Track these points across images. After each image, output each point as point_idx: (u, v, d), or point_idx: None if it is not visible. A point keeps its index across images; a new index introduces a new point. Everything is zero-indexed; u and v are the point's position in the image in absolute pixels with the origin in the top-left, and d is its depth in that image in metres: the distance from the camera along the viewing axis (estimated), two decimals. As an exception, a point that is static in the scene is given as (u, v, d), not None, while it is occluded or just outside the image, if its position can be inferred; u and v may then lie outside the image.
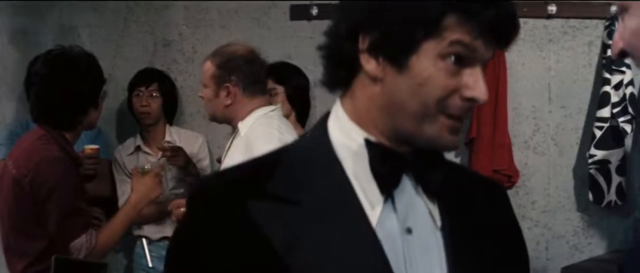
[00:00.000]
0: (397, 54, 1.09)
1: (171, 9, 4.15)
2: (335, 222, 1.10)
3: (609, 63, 3.24)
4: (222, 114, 2.80)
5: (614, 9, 3.17)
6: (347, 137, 1.14)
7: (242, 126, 2.74)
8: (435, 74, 1.08)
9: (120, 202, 3.46)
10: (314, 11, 3.80)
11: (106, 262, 2.81)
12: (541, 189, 3.52)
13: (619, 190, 3.28)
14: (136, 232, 3.68)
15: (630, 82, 3.22)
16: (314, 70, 3.70)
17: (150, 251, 3.64)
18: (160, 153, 3.55)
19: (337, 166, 1.13)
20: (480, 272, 1.17)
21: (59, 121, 2.70)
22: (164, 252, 3.61)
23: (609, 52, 3.24)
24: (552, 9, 3.44)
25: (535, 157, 3.53)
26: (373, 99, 1.12)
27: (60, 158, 2.64)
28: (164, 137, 3.75)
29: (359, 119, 1.14)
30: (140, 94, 3.76)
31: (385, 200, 1.12)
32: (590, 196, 3.33)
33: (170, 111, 3.87)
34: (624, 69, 3.21)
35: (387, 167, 1.12)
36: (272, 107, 2.82)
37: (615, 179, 3.27)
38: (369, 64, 1.11)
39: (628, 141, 3.26)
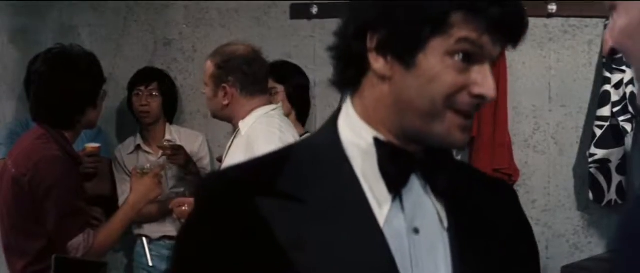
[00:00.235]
0: (405, 52, 1.09)
1: (171, 8, 4.15)
2: (343, 221, 1.10)
3: (609, 62, 3.24)
4: (222, 113, 2.81)
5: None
6: (357, 136, 1.15)
7: (243, 125, 2.74)
8: (443, 71, 1.08)
9: (120, 201, 3.46)
10: (314, 10, 3.80)
11: (106, 261, 2.82)
12: (541, 188, 3.52)
13: (619, 189, 3.27)
14: (136, 231, 3.68)
15: (631, 81, 3.22)
16: (314, 69, 3.70)
17: (150, 250, 3.64)
18: (160, 152, 3.56)
19: (345, 164, 1.13)
20: (487, 272, 1.17)
21: (58, 120, 2.70)
22: (164, 251, 3.66)
23: (609, 52, 3.23)
24: (553, 8, 3.44)
25: (536, 156, 3.53)
26: (382, 97, 1.13)
27: (60, 157, 2.64)
28: (164, 136, 3.75)
29: (368, 118, 1.15)
30: (140, 93, 3.76)
31: (393, 200, 1.12)
32: (591, 195, 3.33)
33: (170, 110, 3.87)
34: (624, 68, 3.20)
35: (396, 166, 1.13)
36: (272, 107, 2.82)
37: (616, 178, 3.27)
38: (378, 63, 1.12)
39: (628, 140, 3.26)
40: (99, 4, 4.26)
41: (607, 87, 3.24)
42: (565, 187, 3.49)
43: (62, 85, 2.66)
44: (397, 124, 1.13)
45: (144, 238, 3.66)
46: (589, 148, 3.29)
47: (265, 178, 1.12)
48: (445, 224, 1.16)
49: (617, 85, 3.22)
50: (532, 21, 3.55)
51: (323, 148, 1.16)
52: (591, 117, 3.37)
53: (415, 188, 1.14)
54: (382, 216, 1.11)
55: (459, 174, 1.19)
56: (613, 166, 3.26)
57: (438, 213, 1.16)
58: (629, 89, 3.21)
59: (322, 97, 3.74)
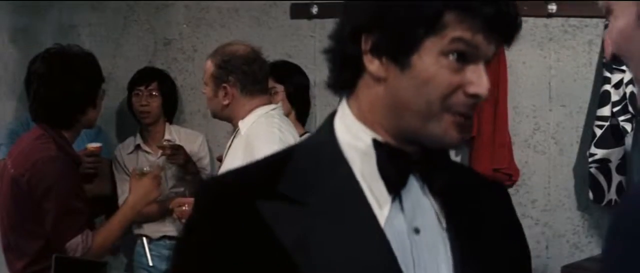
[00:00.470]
0: (400, 53, 1.09)
1: (171, 8, 4.15)
2: (344, 222, 1.10)
3: (609, 62, 3.24)
4: (222, 112, 2.82)
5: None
6: (354, 137, 1.15)
7: (243, 125, 2.75)
8: (438, 71, 1.08)
9: (120, 201, 3.46)
10: (314, 10, 3.80)
11: (107, 261, 2.82)
12: (541, 188, 3.52)
13: (620, 189, 3.27)
14: (136, 231, 3.68)
15: (631, 81, 3.21)
16: (314, 69, 3.70)
17: (150, 250, 3.64)
18: (160, 152, 3.56)
19: (344, 166, 1.13)
20: (486, 272, 1.18)
21: (57, 120, 2.70)
22: (164, 251, 3.66)
23: (609, 51, 3.23)
24: (553, 7, 3.44)
25: (536, 156, 3.53)
26: (378, 99, 1.13)
27: (58, 157, 2.64)
28: (163, 136, 3.75)
29: (365, 119, 1.15)
30: (140, 93, 3.76)
31: (393, 200, 1.13)
32: (591, 195, 3.33)
33: (170, 110, 3.87)
34: (624, 67, 3.20)
35: (395, 167, 1.13)
36: (272, 106, 2.82)
37: (616, 178, 3.27)
38: (373, 65, 1.12)
39: (628, 140, 3.25)
40: (99, 4, 4.26)
41: (607, 87, 3.24)
42: (566, 187, 3.49)
43: (61, 86, 2.66)
44: (394, 125, 1.13)
45: (144, 238, 3.66)
46: (589, 148, 3.29)
47: (264, 182, 1.12)
48: (444, 224, 1.16)
49: (617, 85, 3.22)
50: (532, 21, 3.59)
51: (321, 150, 1.16)
52: (591, 116, 3.37)
53: (414, 189, 1.15)
54: (383, 216, 1.12)
55: (455, 174, 1.20)
56: (613, 166, 3.26)
57: (436, 213, 1.16)
58: (629, 88, 3.21)
59: (322, 96, 3.74)
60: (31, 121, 2.96)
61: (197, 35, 4.12)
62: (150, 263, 3.63)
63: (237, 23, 4.02)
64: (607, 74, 3.25)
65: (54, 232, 2.61)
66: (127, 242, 3.85)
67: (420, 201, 1.15)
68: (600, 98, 3.28)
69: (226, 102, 2.76)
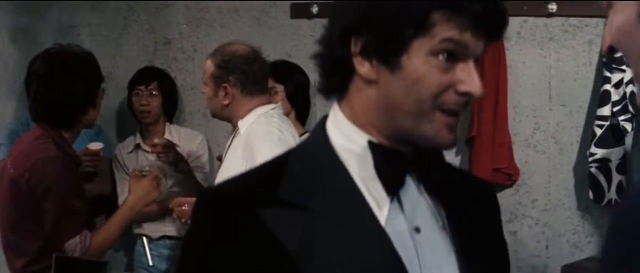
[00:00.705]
0: (389, 55, 1.10)
1: (171, 7, 4.15)
2: (346, 223, 1.11)
3: (609, 61, 3.24)
4: (222, 112, 2.81)
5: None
6: (348, 140, 1.15)
7: (242, 125, 2.75)
8: (427, 71, 1.09)
9: (120, 200, 3.46)
10: (314, 10, 3.80)
11: (107, 260, 2.82)
12: (541, 188, 3.52)
13: (620, 188, 3.27)
14: (136, 231, 3.68)
15: (631, 81, 3.21)
16: (314, 68, 3.68)
17: (150, 249, 3.64)
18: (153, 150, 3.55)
19: (341, 169, 1.14)
20: (485, 269, 1.20)
21: (58, 120, 2.70)
22: (164, 251, 3.66)
23: (609, 51, 3.23)
24: (553, 7, 3.44)
25: (536, 156, 3.53)
26: (370, 101, 1.14)
27: (57, 158, 2.64)
28: (163, 135, 3.75)
29: (358, 121, 1.15)
30: (140, 92, 3.76)
31: (392, 200, 1.13)
32: (591, 194, 3.33)
33: (171, 110, 3.87)
34: (624, 67, 3.20)
35: (392, 167, 1.14)
36: (272, 106, 2.82)
37: (616, 178, 3.27)
38: (363, 67, 1.13)
39: (628, 139, 3.25)
40: (99, 4, 4.26)
41: (607, 87, 3.24)
42: (566, 187, 3.49)
43: (61, 85, 2.66)
44: (387, 126, 1.14)
45: (144, 238, 3.66)
46: (589, 147, 3.29)
47: (263, 189, 1.12)
48: (441, 222, 1.18)
49: (617, 85, 3.22)
50: (532, 21, 3.59)
51: (316, 154, 1.16)
52: (591, 116, 3.37)
53: (411, 189, 1.15)
54: (383, 217, 1.12)
55: (448, 173, 1.22)
56: (613, 165, 3.26)
57: (433, 212, 1.17)
58: (629, 88, 3.21)
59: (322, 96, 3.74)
60: (31, 121, 2.96)
61: (197, 35, 4.12)
62: (150, 263, 3.63)
63: (237, 23, 4.02)
64: (607, 74, 3.25)
65: (53, 232, 2.61)
66: (127, 241, 3.85)
67: (418, 200, 1.16)
68: (600, 97, 3.28)
69: (226, 102, 2.76)
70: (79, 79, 2.69)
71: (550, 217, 3.52)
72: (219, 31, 4.04)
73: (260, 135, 2.67)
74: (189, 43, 4.13)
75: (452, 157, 3.51)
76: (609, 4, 1.07)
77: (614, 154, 3.25)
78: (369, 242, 1.10)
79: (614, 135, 3.24)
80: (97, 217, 3.20)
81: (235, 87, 2.75)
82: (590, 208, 3.45)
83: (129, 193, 2.90)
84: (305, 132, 3.30)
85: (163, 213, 3.51)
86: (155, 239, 3.65)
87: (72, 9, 4.29)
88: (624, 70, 3.21)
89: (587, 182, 3.35)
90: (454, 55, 1.09)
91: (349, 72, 1.14)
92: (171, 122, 3.87)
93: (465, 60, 1.11)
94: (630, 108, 3.21)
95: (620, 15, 1.05)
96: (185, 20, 4.14)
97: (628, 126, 3.21)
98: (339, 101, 1.19)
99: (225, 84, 2.75)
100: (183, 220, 3.02)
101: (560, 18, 3.45)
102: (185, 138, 3.79)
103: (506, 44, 3.45)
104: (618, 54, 1.12)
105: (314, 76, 3.65)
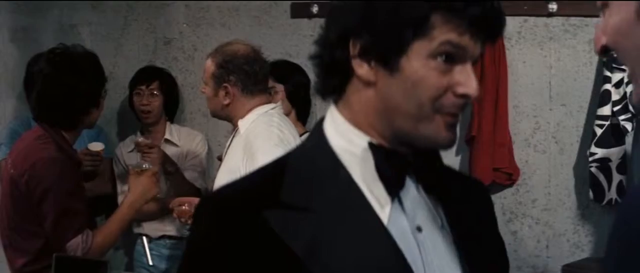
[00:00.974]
0: (388, 57, 1.10)
1: (172, 7, 4.15)
2: (350, 225, 1.11)
3: (609, 61, 3.24)
4: (222, 112, 2.81)
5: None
6: (348, 142, 1.16)
7: (242, 124, 2.74)
8: (426, 74, 1.10)
9: (119, 199, 3.45)
10: (315, 9, 3.80)
11: (107, 260, 2.81)
12: (542, 187, 3.52)
13: (620, 188, 3.27)
14: (136, 230, 3.68)
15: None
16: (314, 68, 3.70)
17: (150, 249, 3.63)
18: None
19: (341, 170, 1.14)
20: (485, 266, 1.20)
21: (61, 120, 2.70)
22: (164, 251, 3.66)
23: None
24: (553, 7, 3.44)
25: (536, 155, 3.53)
26: (368, 103, 1.14)
27: (57, 158, 2.64)
28: (164, 135, 3.75)
29: (357, 123, 1.16)
30: (141, 92, 3.76)
31: (393, 201, 1.14)
32: (591, 194, 3.33)
33: (172, 109, 3.87)
34: (624, 67, 3.19)
35: (392, 168, 1.14)
36: (271, 105, 2.82)
37: (616, 177, 3.27)
38: (361, 69, 1.13)
39: (629, 139, 3.25)
40: (99, 3, 4.26)
41: (608, 86, 3.24)
42: (566, 186, 3.49)
43: (67, 86, 2.66)
44: (386, 127, 1.14)
45: (144, 238, 3.66)
46: (590, 147, 3.29)
47: (266, 192, 1.12)
48: (441, 222, 1.18)
49: (618, 84, 3.22)
50: (533, 20, 3.58)
51: (316, 157, 1.16)
52: (591, 116, 3.37)
53: (411, 189, 1.16)
54: (385, 216, 1.13)
55: (444, 173, 1.22)
56: (613, 165, 3.26)
57: (433, 212, 1.18)
58: (629, 88, 3.21)
59: (323, 96, 3.73)
60: (32, 120, 2.96)
61: (197, 35, 4.12)
62: (150, 263, 3.63)
63: (238, 22, 4.02)
64: (608, 73, 3.25)
65: (53, 233, 2.61)
66: (127, 241, 3.85)
67: (418, 200, 1.17)
68: (600, 97, 3.28)
69: (226, 102, 2.76)
70: (85, 80, 2.69)
71: (550, 217, 3.52)
72: (219, 30, 4.04)
73: (261, 135, 2.67)
74: (189, 42, 4.13)
75: (452, 157, 3.51)
76: (604, 4, 1.07)
77: (615, 154, 3.25)
78: (374, 243, 1.11)
79: (614, 135, 3.24)
80: (98, 217, 3.20)
81: (235, 87, 2.75)
82: (590, 208, 3.45)
83: (128, 191, 2.90)
84: (306, 132, 3.30)
85: (163, 211, 3.51)
86: (155, 239, 3.65)
87: (72, 9, 4.29)
88: (624, 70, 3.20)
89: (588, 182, 3.35)
90: (452, 57, 1.10)
91: (347, 74, 1.14)
92: (172, 122, 3.87)
93: (463, 62, 1.11)
94: (631, 108, 3.21)
95: (617, 15, 1.05)
96: (186, 20, 4.14)
97: (628, 126, 3.21)
98: (336, 103, 1.19)
99: (225, 84, 2.75)
100: (183, 220, 3.02)
101: (560, 18, 3.45)
102: (185, 137, 3.79)
103: (506, 44, 3.45)
104: (611, 53, 1.11)
105: (314, 76, 3.65)
